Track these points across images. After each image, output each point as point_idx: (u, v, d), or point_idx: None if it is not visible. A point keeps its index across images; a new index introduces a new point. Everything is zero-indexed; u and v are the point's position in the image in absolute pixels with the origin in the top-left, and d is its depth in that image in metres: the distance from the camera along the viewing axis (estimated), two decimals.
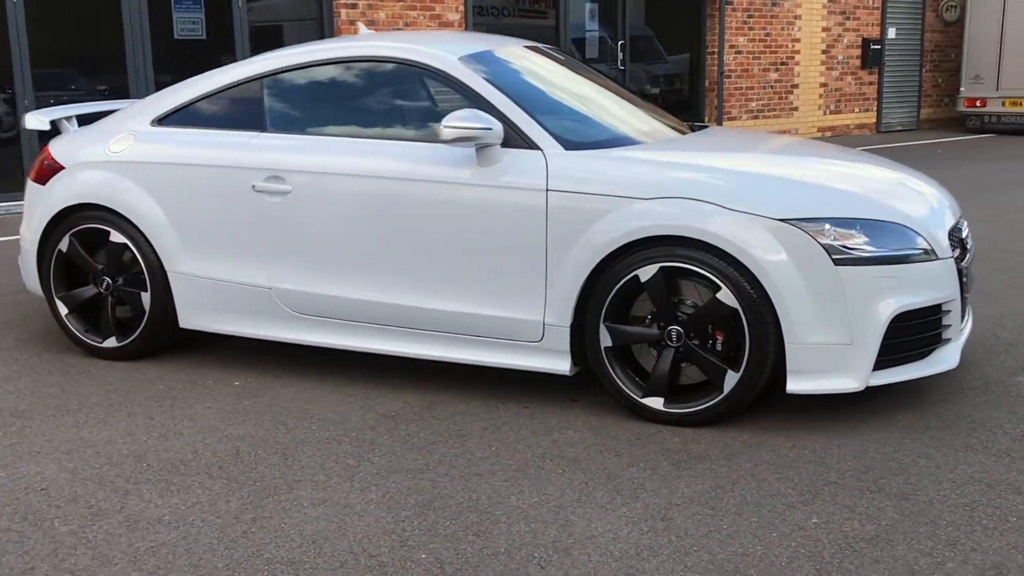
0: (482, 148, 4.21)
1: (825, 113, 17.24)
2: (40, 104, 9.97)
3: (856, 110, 17.72)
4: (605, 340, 4.09)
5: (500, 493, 3.49)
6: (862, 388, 3.89)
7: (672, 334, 4.00)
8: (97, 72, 10.73)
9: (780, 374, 3.97)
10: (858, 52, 17.54)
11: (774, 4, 16.18)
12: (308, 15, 12.10)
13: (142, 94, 10.72)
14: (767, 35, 16.19)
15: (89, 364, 5.02)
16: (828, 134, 17.30)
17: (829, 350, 3.84)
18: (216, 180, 4.68)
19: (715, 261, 3.87)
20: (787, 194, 3.93)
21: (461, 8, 12.91)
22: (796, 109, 16.80)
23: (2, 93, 10.12)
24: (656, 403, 4.05)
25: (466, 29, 12.97)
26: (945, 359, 4.11)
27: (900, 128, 18.26)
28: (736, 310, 3.87)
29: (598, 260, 4.03)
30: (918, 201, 4.17)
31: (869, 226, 3.89)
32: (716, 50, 15.53)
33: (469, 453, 3.84)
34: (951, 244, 4.10)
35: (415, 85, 4.63)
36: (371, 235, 4.41)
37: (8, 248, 7.99)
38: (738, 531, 3.19)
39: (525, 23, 13.83)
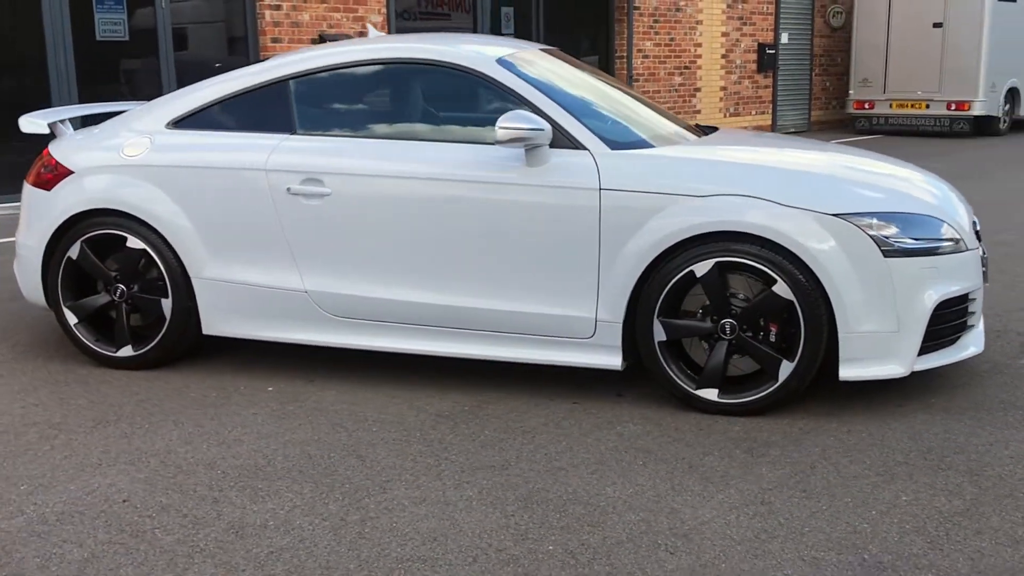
0: (531, 149, 4.28)
1: (725, 116, 17.77)
2: None
3: (753, 112, 18.33)
4: (659, 334, 4.21)
5: (593, 485, 3.57)
6: (907, 373, 4.10)
7: (726, 327, 4.14)
8: (17, 75, 10.33)
9: (826, 363, 4.15)
10: (754, 57, 18.15)
11: (678, 10, 16.61)
12: (232, 16, 11.89)
13: (64, 97, 10.38)
14: (672, 40, 16.61)
15: (104, 374, 4.88)
16: None
17: (878, 338, 4.04)
18: (246, 183, 4.62)
19: (771, 255, 4.03)
20: (835, 190, 4.12)
21: (384, 11, 12.88)
22: (699, 112, 17.28)
23: None
24: (711, 394, 4.18)
25: (388, 32, 12.95)
26: (973, 344, 4.37)
27: (794, 130, 18.96)
28: (792, 302, 4.03)
29: (654, 256, 4.14)
30: (943, 196, 4.42)
31: (909, 219, 4.11)
32: (625, 54, 15.85)
33: (542, 448, 3.91)
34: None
35: (453, 87, 4.66)
36: (417, 237, 4.42)
37: None
38: (838, 511, 3.34)
39: (444, 26, 13.87)
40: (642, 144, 4.42)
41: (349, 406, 4.40)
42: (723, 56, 17.58)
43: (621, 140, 4.39)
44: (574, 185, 4.23)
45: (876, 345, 4.05)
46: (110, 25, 10.93)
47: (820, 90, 19.87)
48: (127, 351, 4.89)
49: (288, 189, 4.56)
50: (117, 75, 11.05)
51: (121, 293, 4.87)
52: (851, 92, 18.20)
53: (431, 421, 4.21)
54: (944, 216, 4.22)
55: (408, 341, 4.54)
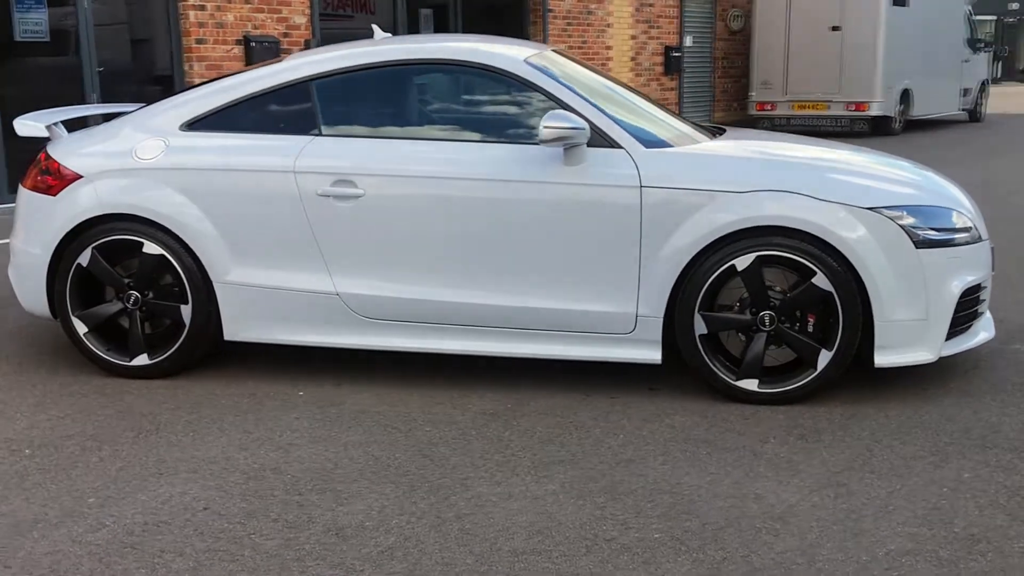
0: (570, 148, 4.34)
1: None
2: None
3: None
4: (700, 328, 4.32)
5: (668, 475, 3.66)
6: (935, 359, 4.31)
7: (765, 319, 4.28)
8: None
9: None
10: (661, 59, 18.55)
11: (589, 13, 16.86)
12: (155, 17, 11.60)
13: None
14: (584, 43, 16.86)
15: (120, 384, 4.75)
16: None
17: (910, 326, 4.24)
18: (273, 186, 4.56)
19: (810, 248, 4.18)
20: (866, 184, 4.30)
21: (307, 12, 12.75)
22: None
23: None
24: (751, 384, 4.32)
25: (313, 33, 12.83)
26: (983, 330, 4.62)
27: None
28: (830, 293, 4.19)
29: (697, 251, 4.25)
30: (957, 191, 4.66)
31: (934, 212, 4.32)
32: None
33: (602, 442, 3.98)
34: None
35: (481, 88, 4.68)
36: (454, 236, 4.44)
37: None
38: (911, 490, 3.50)
39: (367, 28, 13.79)
40: (670, 143, 4.52)
41: (391, 408, 4.39)
42: (632, 58, 17.92)
43: (652, 139, 4.49)
44: (615, 183, 4.32)
45: (908, 333, 4.25)
46: (31, 25, 10.55)
47: (721, 92, 20.42)
48: (142, 360, 4.77)
49: (319, 191, 4.51)
50: (38, 76, 10.66)
51: (135, 300, 4.75)
52: (752, 94, 18.73)
53: (481, 420, 4.23)
54: (962, 209, 4.44)
55: (445, 341, 4.55)
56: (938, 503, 3.40)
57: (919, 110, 18.88)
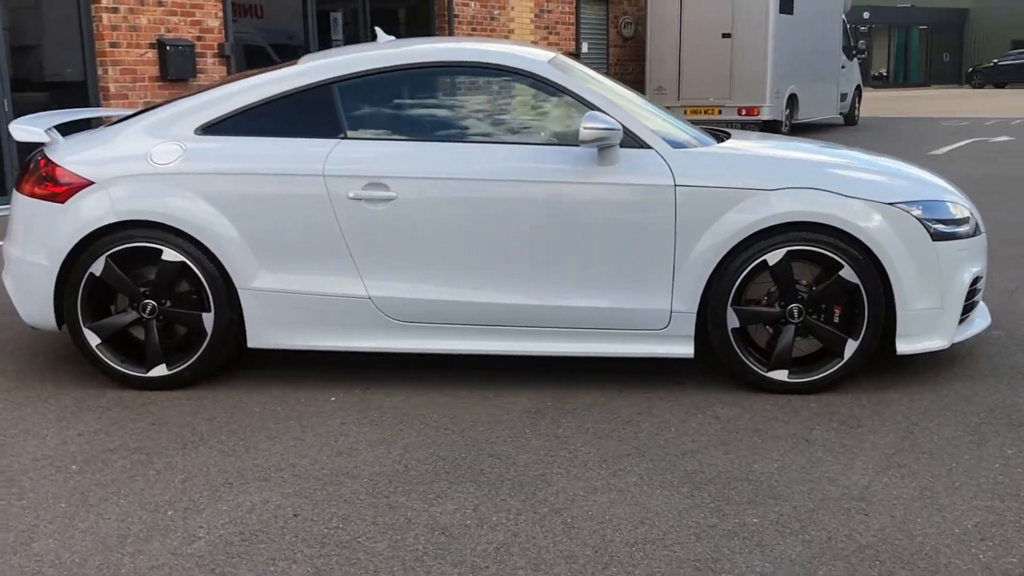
0: (604, 149, 4.44)
1: None
2: None
3: None
4: (732, 322, 4.47)
5: (737, 463, 3.78)
6: (948, 346, 4.57)
7: (793, 311, 4.46)
8: None
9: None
10: None
11: (492, 19, 17.00)
12: (68, 19, 11.20)
13: None
14: None
15: (138, 396, 4.63)
16: None
17: (927, 314, 4.48)
18: (301, 189, 4.52)
19: (838, 243, 4.38)
20: (885, 181, 4.52)
21: (220, 15, 12.51)
22: None
23: None
24: (781, 375, 4.49)
25: (226, 37, 12.59)
26: (980, 318, 4.90)
27: None
28: (857, 285, 4.40)
29: (731, 247, 4.40)
30: (953, 187, 4.93)
31: (942, 207, 4.57)
32: None
33: (659, 435, 4.08)
34: None
35: (506, 90, 4.73)
36: (489, 237, 4.48)
37: None
38: (968, 467, 3.71)
39: (280, 32, 13.61)
40: (694, 143, 4.66)
41: (429, 409, 4.40)
42: None
43: (676, 139, 4.62)
44: (650, 182, 4.43)
45: (925, 321, 4.48)
46: None
47: None
48: (160, 371, 4.65)
49: (350, 194, 4.49)
50: None
51: (152, 310, 4.62)
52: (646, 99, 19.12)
53: (528, 418, 4.28)
54: (963, 203, 4.71)
55: (480, 342, 4.58)
56: (997, 478, 3.61)
57: (804, 114, 19.65)
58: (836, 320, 4.51)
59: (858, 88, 22.77)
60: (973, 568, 2.99)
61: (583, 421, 4.24)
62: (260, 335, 4.63)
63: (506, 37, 17.25)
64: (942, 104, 32.87)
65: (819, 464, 3.77)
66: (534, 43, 17.69)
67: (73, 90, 11.24)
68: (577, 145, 4.51)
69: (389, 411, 4.39)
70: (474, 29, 16.55)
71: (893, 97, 38.86)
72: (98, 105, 11.40)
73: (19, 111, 10.27)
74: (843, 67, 21.55)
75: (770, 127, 18.58)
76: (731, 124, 18.67)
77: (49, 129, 4.89)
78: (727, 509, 3.40)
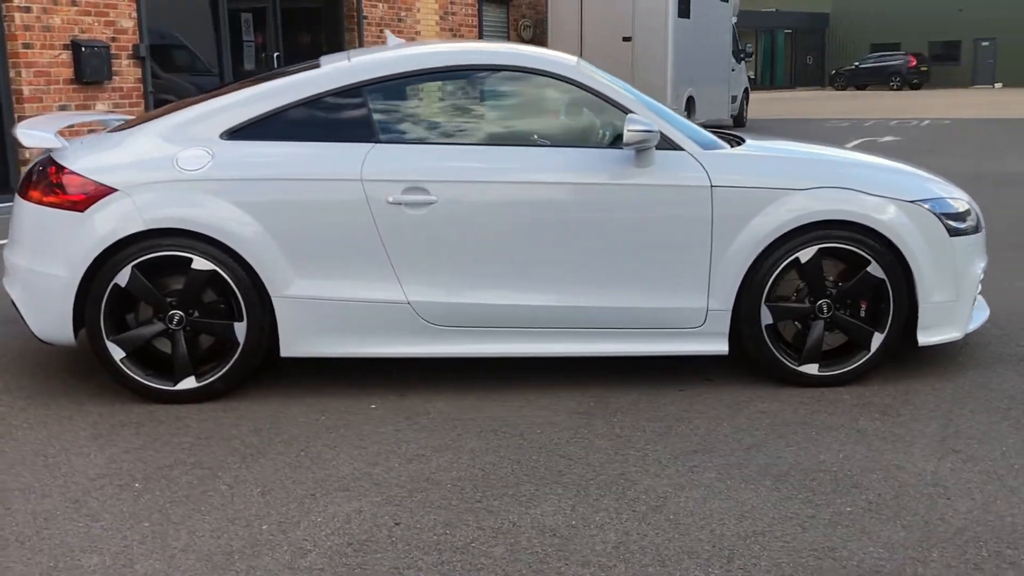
0: (642, 151, 4.51)
1: None
2: None
3: None
4: (766, 318, 4.60)
5: (803, 456, 3.90)
6: (962, 336, 4.80)
7: (823, 307, 4.62)
8: None
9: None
10: None
11: (400, 20, 16.92)
12: None
13: None
14: None
15: (165, 411, 4.50)
16: None
17: (944, 307, 4.70)
18: (337, 194, 4.46)
19: (866, 239, 4.55)
20: (904, 180, 4.72)
21: (134, 15, 12.13)
22: None
23: None
24: (812, 369, 4.64)
25: (140, 37, 12.21)
26: (982, 308, 5.16)
27: None
28: (883, 280, 4.58)
29: (765, 245, 4.53)
30: (956, 187, 5.18)
31: (951, 205, 4.79)
32: None
33: (714, 431, 4.17)
34: None
35: (540, 91, 4.75)
36: (530, 240, 4.50)
37: None
38: (1017, 450, 3.92)
39: (192, 31, 13.28)
40: (717, 145, 4.77)
41: (477, 413, 4.40)
42: None
43: (705, 140, 4.72)
44: (688, 183, 4.52)
45: (943, 313, 4.70)
46: None
47: None
48: (189, 383, 4.52)
49: (389, 199, 4.45)
50: None
51: (179, 320, 4.49)
52: None
53: (580, 419, 4.32)
54: (968, 202, 4.95)
55: (519, 345, 4.60)
56: None
57: (700, 116, 20.15)
58: (862, 314, 4.68)
59: (746, 90, 23.47)
60: None
61: (635, 420, 4.30)
62: (294, 343, 4.55)
63: (412, 39, 17.19)
64: (817, 106, 34.15)
65: (880, 453, 3.91)
66: None
67: None
68: (606, 147, 4.57)
69: (437, 416, 4.37)
70: (382, 30, 16.44)
71: (765, 99, 40.16)
72: (11, 109, 10.93)
73: None
74: (733, 70, 22.19)
75: None
76: None
77: (56, 134, 4.69)
78: (817, 500, 3.51)
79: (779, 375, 4.68)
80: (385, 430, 4.22)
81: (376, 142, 4.54)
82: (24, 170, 4.87)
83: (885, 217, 4.55)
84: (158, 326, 4.51)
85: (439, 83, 4.69)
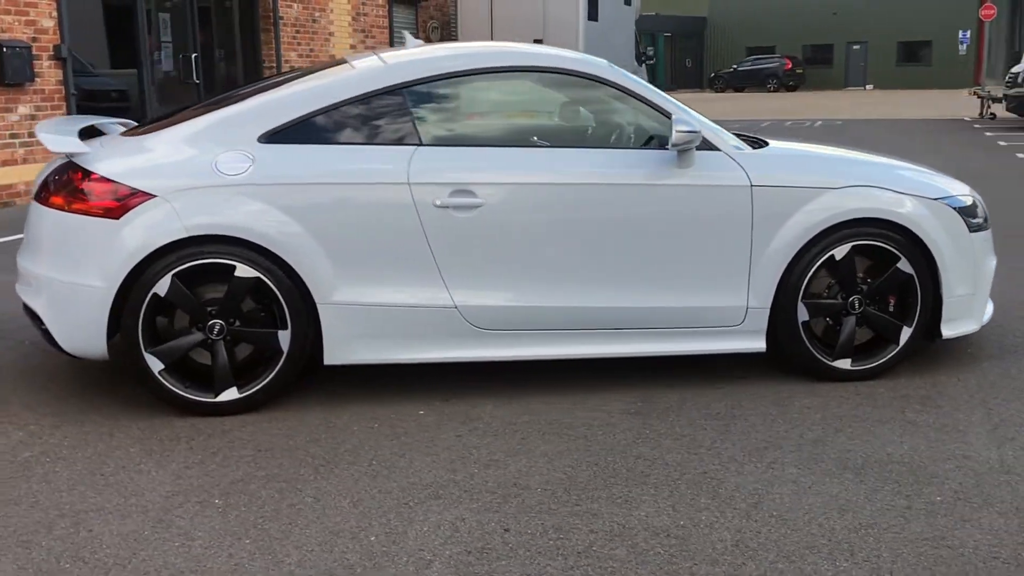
0: (683, 151, 4.57)
1: None
2: None
3: None
4: (802, 315, 4.71)
5: (868, 448, 4.01)
6: (979, 329, 5.00)
7: (854, 302, 4.75)
8: None
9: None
10: None
11: (314, 21, 16.68)
12: None
13: None
14: (311, 51, 16.65)
15: (206, 423, 4.36)
16: None
17: (964, 300, 4.89)
18: (383, 198, 4.39)
19: (897, 236, 4.71)
20: (926, 179, 4.89)
21: (55, 14, 11.66)
22: None
23: None
24: (845, 364, 4.78)
25: (61, 37, 11.75)
26: (990, 302, 5.37)
27: None
28: (911, 275, 4.74)
29: (802, 244, 4.63)
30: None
31: (965, 202, 4.99)
32: (273, 63, 15.64)
33: (771, 427, 4.25)
34: None
35: (574, 93, 4.75)
36: (576, 242, 4.51)
37: None
38: None
39: (112, 30, 12.85)
40: (748, 146, 4.86)
41: (530, 416, 4.39)
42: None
43: (735, 142, 4.81)
44: (729, 183, 4.59)
45: (963, 307, 4.89)
46: None
47: None
48: (231, 394, 4.39)
49: (436, 202, 4.40)
50: None
51: (220, 330, 4.35)
52: None
53: (637, 419, 4.35)
54: (978, 200, 5.16)
55: (566, 347, 4.60)
56: None
57: None
58: (891, 309, 4.83)
59: None
60: None
61: (692, 418, 4.35)
62: (338, 351, 4.46)
63: (326, 40, 16.98)
64: (704, 108, 34.91)
65: (941, 443, 4.05)
66: (352, 46, 17.51)
67: None
68: (639, 148, 4.62)
69: (492, 421, 4.34)
70: (298, 32, 16.20)
71: None
72: None
73: None
74: (635, 72, 22.54)
75: None
76: None
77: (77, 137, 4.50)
78: (905, 491, 3.61)
79: (813, 371, 4.79)
80: (445, 436, 4.17)
81: (419, 144, 4.48)
82: None
83: (915, 214, 4.71)
84: (197, 336, 4.36)
85: (478, 84, 4.65)
